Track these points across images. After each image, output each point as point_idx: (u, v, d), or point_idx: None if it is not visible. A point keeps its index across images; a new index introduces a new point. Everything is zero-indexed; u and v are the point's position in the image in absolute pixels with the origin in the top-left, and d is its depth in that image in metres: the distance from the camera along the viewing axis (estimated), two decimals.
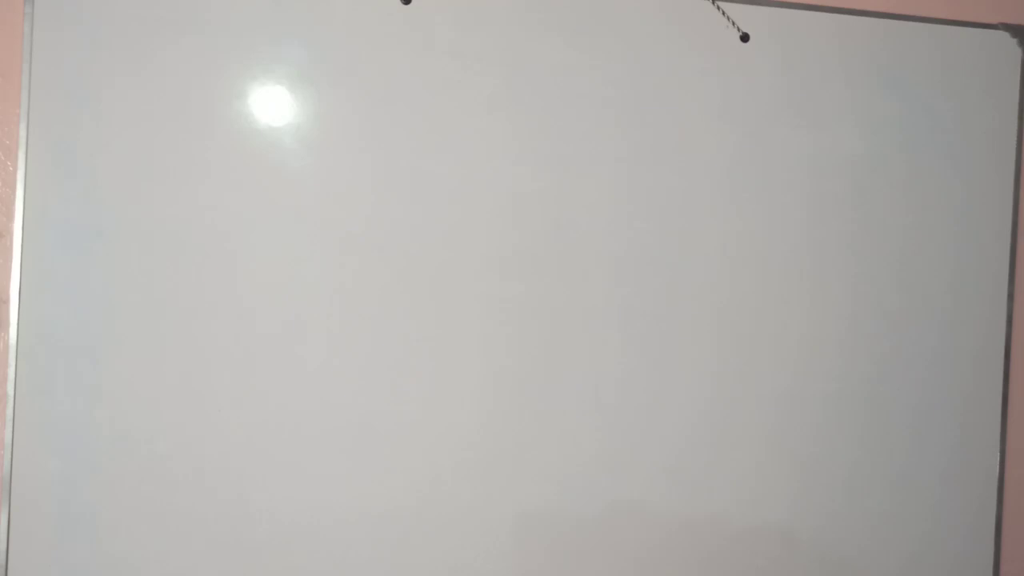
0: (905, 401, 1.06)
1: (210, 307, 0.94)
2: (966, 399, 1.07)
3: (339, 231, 0.96)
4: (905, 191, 1.06)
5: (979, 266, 1.08)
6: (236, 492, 0.94)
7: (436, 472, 0.94)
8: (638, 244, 1.00)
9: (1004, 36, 1.08)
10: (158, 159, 0.94)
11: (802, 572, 1.05)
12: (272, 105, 0.96)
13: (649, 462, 1.01)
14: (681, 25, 1.01)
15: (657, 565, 1.02)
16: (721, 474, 1.03)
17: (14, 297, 0.92)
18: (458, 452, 0.97)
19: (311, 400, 0.95)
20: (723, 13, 1.01)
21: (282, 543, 0.94)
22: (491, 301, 0.98)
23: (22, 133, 0.92)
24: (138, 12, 0.93)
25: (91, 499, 0.93)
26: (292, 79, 0.96)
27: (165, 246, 0.94)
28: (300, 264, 0.96)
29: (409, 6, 0.97)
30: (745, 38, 1.02)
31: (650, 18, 1.01)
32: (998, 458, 1.08)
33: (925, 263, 1.06)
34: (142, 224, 0.94)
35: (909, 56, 1.05)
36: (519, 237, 0.99)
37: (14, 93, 0.93)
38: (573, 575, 1.00)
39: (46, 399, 0.92)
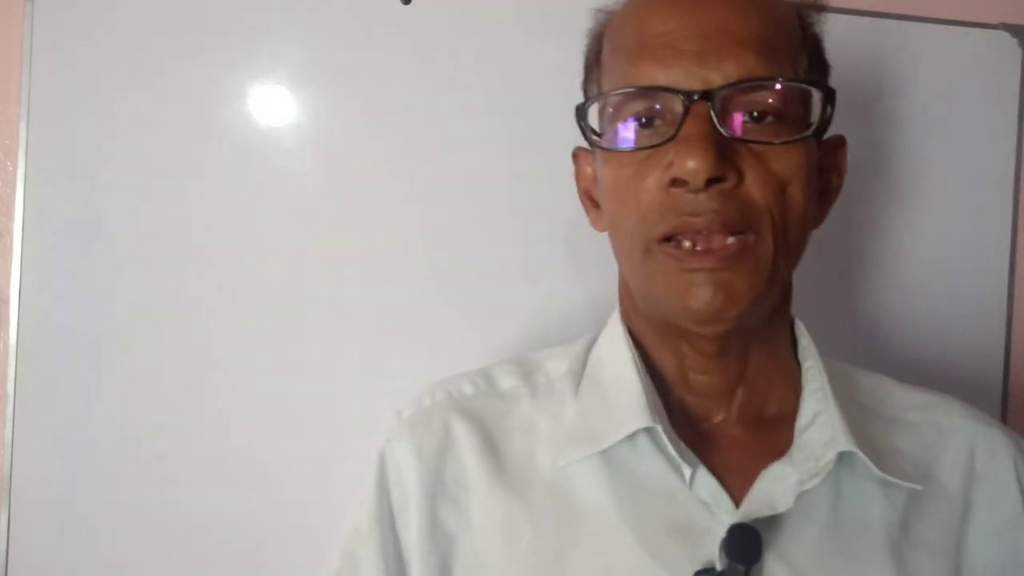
0: None
1: (210, 307, 0.95)
2: (965, 399, 1.07)
3: (339, 231, 0.96)
4: (904, 191, 1.06)
5: (979, 266, 1.07)
6: (236, 492, 0.94)
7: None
8: None
9: (1004, 36, 1.07)
10: (158, 159, 0.94)
11: None
12: (272, 106, 0.96)
13: None
14: None
15: None
16: None
17: (14, 297, 0.92)
18: None
19: (312, 400, 0.95)
20: None
21: (282, 543, 0.94)
22: (491, 302, 0.98)
23: (22, 133, 0.92)
24: (138, 12, 0.93)
25: (91, 499, 0.93)
26: (292, 80, 0.96)
27: (165, 246, 0.94)
28: (301, 264, 0.96)
29: (409, 6, 0.97)
30: None
31: None
32: None
33: (924, 263, 1.06)
34: (142, 224, 0.94)
35: (909, 56, 1.05)
36: (520, 238, 0.99)
37: (14, 93, 0.93)
38: None
39: (46, 399, 0.92)
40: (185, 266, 0.94)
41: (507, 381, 0.73)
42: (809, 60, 0.67)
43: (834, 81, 1.05)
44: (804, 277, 1.04)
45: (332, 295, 0.96)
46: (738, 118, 0.61)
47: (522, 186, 0.99)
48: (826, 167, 0.70)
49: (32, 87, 0.92)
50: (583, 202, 0.75)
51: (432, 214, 0.97)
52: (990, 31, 1.07)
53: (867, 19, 1.05)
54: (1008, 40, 1.08)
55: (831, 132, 0.69)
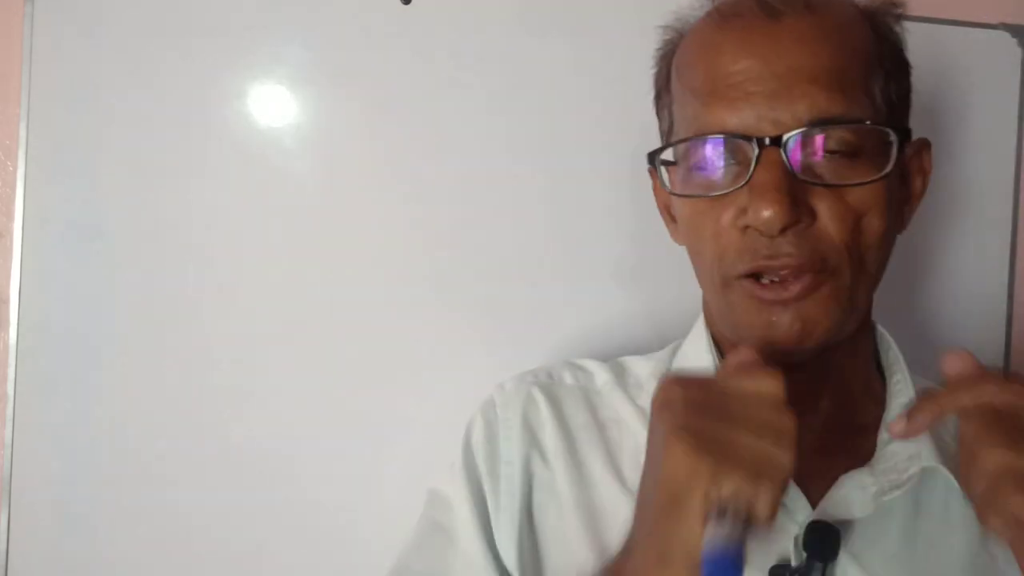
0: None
1: (211, 307, 0.94)
2: None
3: (340, 231, 0.96)
4: None
5: (979, 266, 1.07)
6: (236, 492, 0.94)
7: (438, 474, 0.94)
8: (640, 245, 1.00)
9: (1004, 36, 1.07)
10: (158, 159, 0.94)
11: None
12: (272, 106, 0.96)
13: None
14: None
15: None
16: None
17: (14, 297, 0.92)
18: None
19: (311, 400, 0.95)
20: None
21: (282, 543, 0.94)
22: (491, 302, 0.98)
23: (22, 133, 0.92)
24: (138, 12, 0.93)
25: (91, 499, 0.93)
26: (292, 80, 0.96)
27: (165, 246, 0.94)
28: (301, 264, 0.96)
29: (409, 6, 0.97)
30: None
31: (652, 19, 1.00)
32: None
33: (924, 263, 1.06)
34: (142, 224, 0.94)
35: (908, 55, 1.05)
36: (520, 238, 0.99)
37: (14, 93, 0.93)
38: None
39: (46, 399, 0.92)
40: (185, 266, 0.94)
41: (602, 377, 0.76)
42: (887, 75, 0.67)
43: None
44: None
45: (332, 295, 0.96)
46: (810, 155, 0.62)
47: (522, 186, 0.99)
48: (911, 170, 0.70)
49: (32, 87, 0.92)
50: (663, 215, 0.77)
51: (432, 214, 0.97)
52: (990, 31, 1.07)
53: None
54: (1008, 40, 1.08)
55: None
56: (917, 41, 1.08)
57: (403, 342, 0.97)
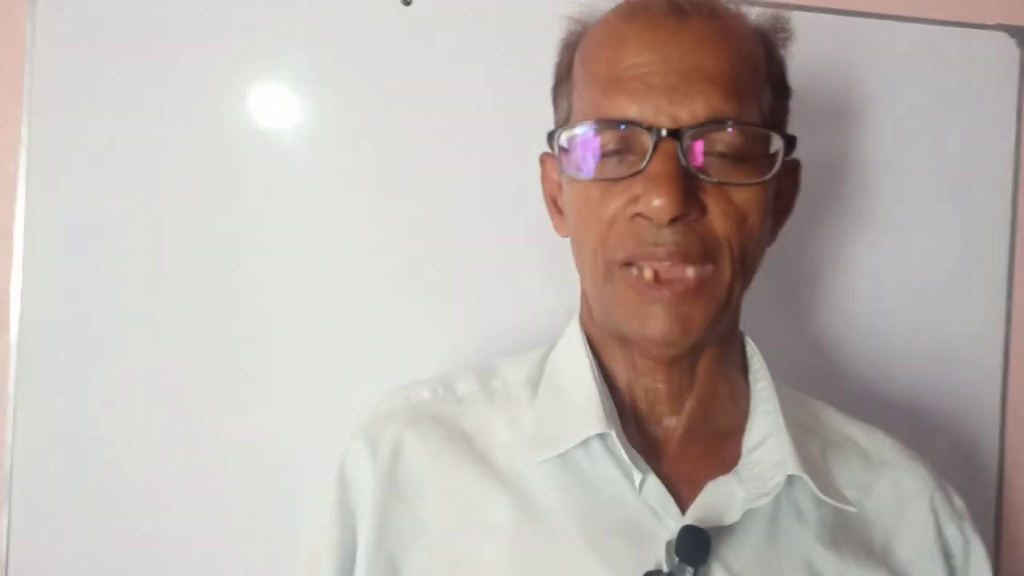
0: (902, 401, 1.06)
1: (211, 307, 0.95)
2: (964, 399, 1.07)
3: (340, 231, 0.96)
4: (903, 191, 1.06)
5: (978, 266, 1.07)
6: (236, 492, 0.94)
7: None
8: None
9: (1003, 36, 1.08)
10: (159, 159, 0.94)
11: None
12: (273, 106, 0.96)
13: None
14: None
15: None
16: None
17: (15, 297, 0.92)
18: None
19: (312, 400, 0.95)
20: None
21: (282, 543, 0.94)
22: (493, 302, 0.98)
23: (22, 133, 0.92)
24: (140, 12, 0.94)
25: (91, 499, 0.93)
26: (293, 81, 0.96)
27: (166, 246, 0.94)
28: (302, 264, 0.96)
29: (409, 7, 0.97)
30: None
31: None
32: (997, 458, 1.08)
33: (923, 262, 1.06)
34: (143, 224, 0.94)
35: (907, 56, 1.05)
36: (521, 238, 0.99)
37: (15, 93, 0.93)
38: None
39: (46, 399, 0.92)
40: (185, 266, 0.94)
41: (464, 386, 0.75)
42: (772, 91, 0.69)
43: (832, 82, 1.06)
44: (802, 276, 1.04)
45: (333, 295, 0.96)
46: (702, 153, 0.63)
47: (523, 186, 0.99)
48: (783, 189, 0.72)
49: (33, 87, 0.92)
50: (548, 207, 0.77)
51: (433, 214, 0.98)
52: (988, 32, 1.07)
53: (865, 20, 1.05)
54: (1006, 41, 1.08)
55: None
56: (917, 41, 1.09)
57: (405, 342, 0.97)
